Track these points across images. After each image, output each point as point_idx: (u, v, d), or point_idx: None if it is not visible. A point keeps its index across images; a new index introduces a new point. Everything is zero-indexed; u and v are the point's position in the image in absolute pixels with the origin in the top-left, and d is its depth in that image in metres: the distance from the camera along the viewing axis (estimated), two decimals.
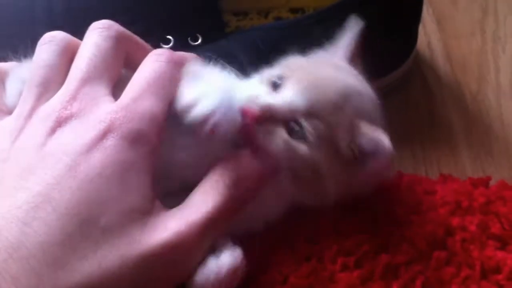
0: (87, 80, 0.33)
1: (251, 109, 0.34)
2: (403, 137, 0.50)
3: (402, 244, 0.37)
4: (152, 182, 0.32)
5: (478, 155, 0.49)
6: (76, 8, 0.47)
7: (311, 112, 0.35)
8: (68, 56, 0.35)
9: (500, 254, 0.37)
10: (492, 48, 0.58)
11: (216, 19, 0.52)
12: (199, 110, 0.32)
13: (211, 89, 0.33)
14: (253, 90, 0.36)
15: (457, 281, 0.36)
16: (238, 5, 0.53)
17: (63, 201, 0.29)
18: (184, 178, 0.34)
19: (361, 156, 0.36)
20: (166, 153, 0.34)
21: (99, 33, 0.35)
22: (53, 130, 0.32)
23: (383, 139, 0.34)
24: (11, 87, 0.38)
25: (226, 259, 0.33)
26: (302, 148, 0.35)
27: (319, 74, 0.37)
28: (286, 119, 0.35)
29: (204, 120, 0.31)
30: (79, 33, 0.36)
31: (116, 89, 0.34)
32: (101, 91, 0.33)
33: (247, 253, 0.36)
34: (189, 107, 0.32)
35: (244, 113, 0.34)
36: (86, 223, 0.29)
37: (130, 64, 0.36)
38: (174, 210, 0.32)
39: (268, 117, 0.35)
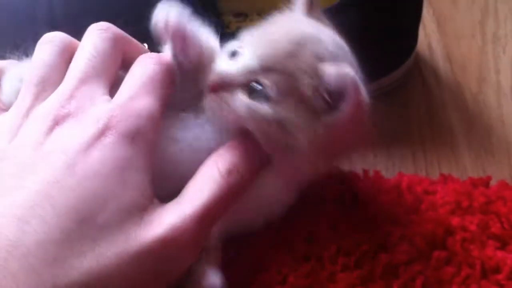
0: (85, 79, 0.34)
1: (212, 79, 0.34)
2: (403, 137, 0.50)
3: (402, 243, 0.37)
4: (151, 179, 0.32)
5: (478, 155, 0.49)
6: (76, 9, 0.48)
7: (267, 68, 0.34)
8: (67, 57, 0.36)
9: (500, 254, 0.37)
10: (493, 49, 0.58)
11: (216, 20, 0.52)
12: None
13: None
14: (217, 62, 0.36)
15: (457, 280, 0.36)
16: (238, 7, 0.53)
17: (61, 200, 0.29)
18: (183, 177, 0.34)
19: (333, 102, 0.34)
20: (163, 152, 0.34)
21: (97, 34, 0.35)
22: (51, 129, 0.32)
23: (347, 71, 0.33)
24: (8, 84, 0.38)
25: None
26: (264, 108, 0.33)
27: (270, 30, 0.36)
28: (244, 83, 0.34)
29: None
30: (80, 34, 0.37)
31: (114, 90, 0.35)
32: (99, 91, 0.34)
33: (246, 252, 0.37)
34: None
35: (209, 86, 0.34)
36: (84, 221, 0.29)
37: (127, 66, 0.36)
38: (170, 204, 0.32)
39: (225, 85, 0.34)
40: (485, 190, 0.42)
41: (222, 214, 0.33)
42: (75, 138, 0.31)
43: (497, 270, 0.36)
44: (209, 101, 0.35)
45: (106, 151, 0.31)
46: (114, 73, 0.36)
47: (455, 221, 0.39)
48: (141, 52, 0.37)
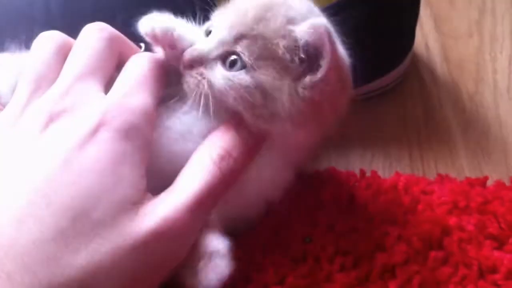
0: (80, 77, 0.34)
1: (184, 58, 0.35)
2: (400, 137, 0.50)
3: (399, 244, 0.38)
4: (145, 175, 0.32)
5: (475, 155, 0.49)
6: (74, 10, 0.47)
7: (239, 36, 0.34)
8: (63, 55, 0.36)
9: (497, 254, 0.37)
10: (490, 49, 0.58)
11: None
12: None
13: None
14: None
15: (454, 281, 0.36)
16: None
17: (56, 197, 0.29)
18: (176, 164, 0.34)
19: (310, 61, 0.34)
20: (157, 148, 0.34)
21: (93, 34, 0.36)
22: (46, 125, 0.32)
23: (319, 21, 0.33)
24: (3, 81, 0.38)
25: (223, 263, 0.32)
26: (243, 76, 0.33)
27: (238, 3, 0.36)
28: (219, 55, 0.35)
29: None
30: (76, 34, 0.37)
31: (109, 90, 0.35)
32: (94, 88, 0.34)
33: (244, 253, 0.37)
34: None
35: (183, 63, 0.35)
36: (78, 218, 0.29)
37: (122, 67, 0.36)
38: (163, 194, 0.32)
39: (200, 60, 0.35)
40: (482, 190, 0.42)
41: (217, 200, 0.33)
42: (69, 135, 0.31)
43: (494, 270, 0.36)
44: (187, 78, 0.35)
45: (101, 147, 0.31)
46: (109, 72, 0.36)
47: (452, 221, 0.39)
48: (136, 53, 0.37)
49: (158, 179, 0.32)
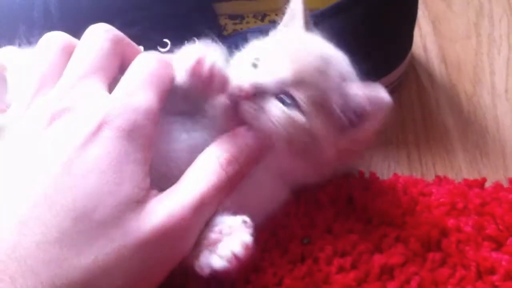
0: (83, 75, 0.34)
1: (242, 86, 0.35)
2: (398, 139, 0.50)
3: (397, 245, 0.38)
4: (148, 171, 0.32)
5: (473, 157, 0.49)
6: (73, 12, 0.48)
7: (299, 81, 0.36)
8: (67, 55, 0.36)
9: (495, 255, 0.37)
10: (487, 50, 0.58)
11: (213, 22, 0.52)
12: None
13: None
14: (238, 71, 0.37)
15: (452, 282, 0.36)
16: (235, 9, 0.53)
17: (58, 199, 0.29)
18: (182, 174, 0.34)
19: (355, 117, 0.37)
20: (162, 149, 0.34)
21: (97, 34, 0.36)
22: (48, 124, 0.32)
23: (382, 95, 0.36)
24: (13, 80, 0.38)
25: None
26: (300, 116, 0.35)
27: (294, 45, 0.38)
28: (275, 93, 0.36)
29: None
30: (75, 36, 0.37)
31: (113, 90, 0.34)
32: (97, 86, 0.34)
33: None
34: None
35: (236, 91, 0.35)
36: (81, 219, 0.29)
37: (126, 68, 0.36)
38: (167, 193, 0.32)
39: (259, 94, 0.35)
40: (480, 192, 0.42)
41: (220, 202, 0.33)
42: (71, 134, 0.31)
43: (492, 271, 0.36)
44: (245, 108, 0.35)
45: (103, 146, 0.31)
46: (112, 72, 0.36)
47: (450, 222, 0.39)
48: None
49: (165, 185, 0.33)
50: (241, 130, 0.35)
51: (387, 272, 0.36)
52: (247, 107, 0.35)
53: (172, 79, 0.35)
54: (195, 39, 0.49)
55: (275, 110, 0.35)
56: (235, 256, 0.31)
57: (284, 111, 0.35)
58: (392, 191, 0.42)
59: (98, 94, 0.33)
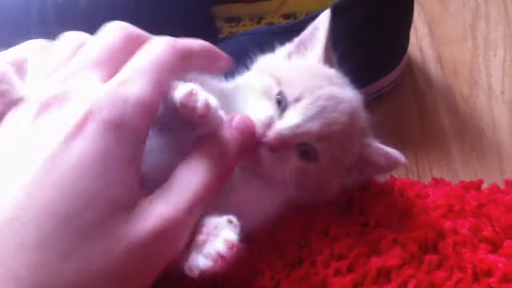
0: (83, 67, 0.31)
1: (268, 136, 0.35)
2: (395, 141, 0.50)
3: (394, 247, 0.38)
4: (136, 170, 0.30)
5: (470, 159, 0.49)
6: (69, 17, 0.48)
7: (323, 135, 0.36)
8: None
9: (492, 257, 0.37)
10: (484, 53, 0.59)
11: (209, 25, 0.52)
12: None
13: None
14: (263, 111, 0.37)
15: (449, 284, 0.36)
16: (231, 12, 0.53)
17: (40, 198, 0.27)
18: None
19: (365, 167, 0.39)
20: (158, 156, 0.34)
21: (111, 30, 0.34)
22: (36, 114, 0.30)
23: (399, 155, 0.38)
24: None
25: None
26: (310, 169, 0.37)
27: (321, 92, 0.37)
28: (298, 144, 0.36)
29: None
30: None
31: None
32: (95, 78, 0.31)
33: (239, 258, 0.37)
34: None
35: (261, 136, 0.35)
36: (64, 221, 0.27)
37: None
38: (158, 194, 0.30)
39: (285, 146, 0.36)
40: (476, 194, 0.42)
41: (208, 202, 0.32)
42: (57, 126, 0.29)
43: (488, 273, 0.36)
44: (265, 157, 0.36)
45: (87, 142, 0.28)
46: (120, 67, 0.33)
47: (447, 224, 0.39)
48: None
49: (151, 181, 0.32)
50: (228, 130, 0.34)
51: (384, 274, 0.36)
52: (266, 154, 0.36)
53: (180, 69, 0.33)
54: None
55: (293, 163, 0.36)
56: (220, 256, 0.30)
57: (298, 166, 0.36)
58: (389, 193, 0.42)
59: (92, 84, 0.30)
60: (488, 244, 0.38)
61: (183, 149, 0.33)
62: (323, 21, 0.41)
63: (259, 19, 0.53)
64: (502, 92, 0.55)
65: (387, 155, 0.38)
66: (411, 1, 0.51)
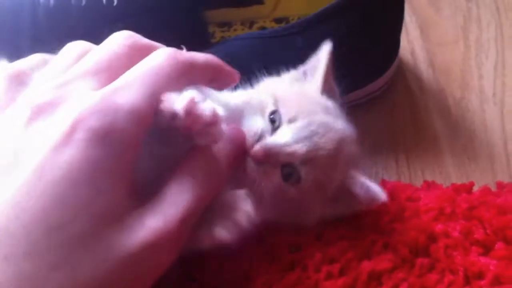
0: (83, 74, 0.31)
1: (256, 150, 0.36)
2: (386, 144, 0.51)
3: (385, 251, 0.38)
4: (128, 182, 0.30)
5: (462, 161, 0.49)
6: (60, 21, 0.48)
7: (308, 158, 0.37)
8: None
9: (483, 260, 0.37)
10: (475, 55, 0.59)
11: (201, 30, 0.52)
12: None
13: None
14: (256, 125, 0.38)
15: (440, 287, 0.36)
16: (223, 16, 0.53)
17: (28, 207, 0.27)
18: None
19: (344, 195, 0.38)
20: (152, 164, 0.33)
21: (116, 39, 0.33)
22: (28, 121, 0.29)
23: (380, 191, 0.37)
24: None
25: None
26: (291, 191, 0.37)
27: (315, 118, 0.38)
28: (283, 163, 0.37)
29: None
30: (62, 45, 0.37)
31: None
32: (91, 86, 0.31)
33: (230, 263, 0.37)
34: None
35: (250, 149, 0.36)
36: (53, 230, 0.27)
37: None
38: (150, 205, 0.30)
39: (271, 161, 0.36)
40: (468, 196, 0.42)
41: (201, 212, 0.32)
42: (47, 133, 0.29)
43: (480, 276, 0.36)
44: (249, 168, 0.36)
45: (76, 151, 0.28)
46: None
47: (438, 227, 0.39)
48: None
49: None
50: (220, 142, 0.33)
51: (375, 278, 0.36)
52: (252, 166, 0.36)
53: (181, 81, 0.32)
54: (183, 47, 0.49)
55: (275, 180, 0.36)
56: (238, 226, 0.32)
57: (279, 185, 0.36)
58: None
59: (86, 93, 0.30)
60: (479, 246, 0.38)
61: (176, 161, 0.32)
62: (324, 53, 0.42)
63: (251, 24, 0.53)
64: (494, 95, 0.55)
65: (367, 189, 0.37)
66: (401, 4, 0.51)
